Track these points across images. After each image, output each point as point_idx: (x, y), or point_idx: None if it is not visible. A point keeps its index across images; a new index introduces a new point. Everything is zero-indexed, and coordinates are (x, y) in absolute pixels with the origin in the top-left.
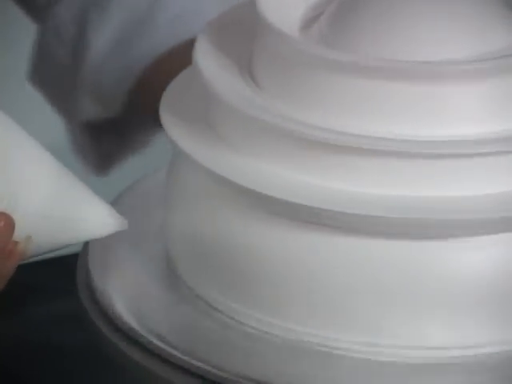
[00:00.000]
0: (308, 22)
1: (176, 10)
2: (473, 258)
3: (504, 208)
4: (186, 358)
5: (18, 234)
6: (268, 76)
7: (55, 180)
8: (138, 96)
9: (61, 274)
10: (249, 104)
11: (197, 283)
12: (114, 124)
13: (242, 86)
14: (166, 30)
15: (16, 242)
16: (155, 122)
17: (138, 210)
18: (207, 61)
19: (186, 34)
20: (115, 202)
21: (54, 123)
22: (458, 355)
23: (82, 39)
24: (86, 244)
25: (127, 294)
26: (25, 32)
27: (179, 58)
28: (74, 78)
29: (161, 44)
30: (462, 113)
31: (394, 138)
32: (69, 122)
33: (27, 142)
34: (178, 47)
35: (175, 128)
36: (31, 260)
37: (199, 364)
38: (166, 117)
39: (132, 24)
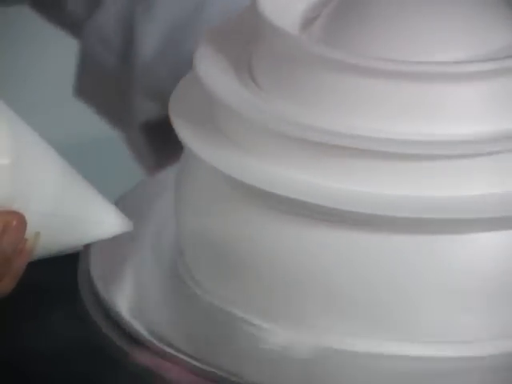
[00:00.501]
0: (307, 23)
1: (223, 6)
2: (476, 254)
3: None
4: (190, 359)
5: (28, 232)
6: (268, 76)
7: (63, 180)
8: None
9: (60, 274)
10: (248, 106)
11: (205, 283)
12: (168, 124)
13: (242, 88)
14: None
15: (26, 240)
16: None
17: (141, 210)
18: (206, 65)
19: None
20: (118, 203)
21: (54, 123)
22: (460, 351)
23: (129, 42)
24: (88, 244)
25: (129, 295)
26: (24, 32)
27: None
28: (126, 82)
29: None
30: (463, 113)
31: (395, 139)
32: (124, 128)
33: (36, 142)
34: None
35: (186, 130)
36: (30, 260)
37: (204, 366)
38: (176, 119)
39: (180, 22)
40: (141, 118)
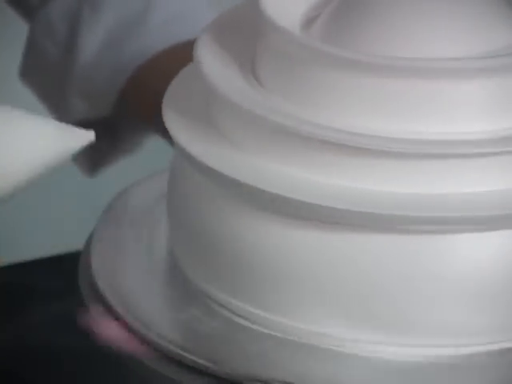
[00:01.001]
0: (309, 21)
1: (169, 11)
2: (474, 254)
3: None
4: (189, 355)
5: None
6: (270, 73)
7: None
8: (129, 97)
9: (60, 274)
10: (250, 102)
11: (201, 281)
12: (105, 124)
13: (244, 84)
14: (159, 32)
15: None
16: (146, 124)
17: (139, 209)
18: (209, 59)
19: (179, 36)
20: (115, 202)
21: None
22: (459, 352)
23: (74, 38)
24: (88, 244)
25: (130, 293)
26: (23, 31)
27: (171, 59)
28: (64, 77)
29: (153, 45)
30: (462, 111)
31: (395, 137)
32: (60, 121)
33: None
34: (170, 49)
35: (177, 127)
36: (29, 260)
37: (203, 362)
38: (168, 116)
39: (125, 24)
40: (73, 115)
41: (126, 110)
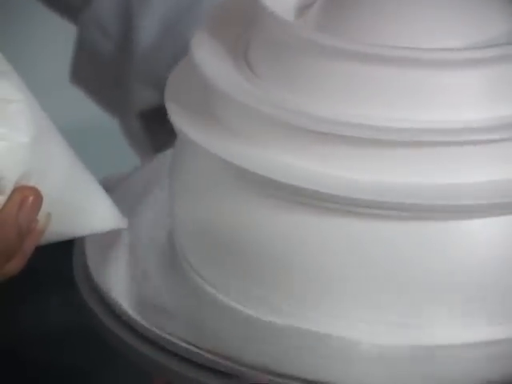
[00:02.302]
0: (303, 10)
1: None
2: (474, 241)
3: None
4: (190, 347)
5: (40, 212)
6: (264, 63)
7: (71, 166)
8: None
9: (58, 259)
10: (243, 92)
11: (202, 269)
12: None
13: (237, 74)
14: None
15: (37, 220)
16: None
17: (137, 196)
18: (203, 51)
19: None
20: (114, 190)
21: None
22: (460, 343)
23: (128, 29)
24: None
25: (127, 283)
26: (24, 28)
27: None
28: (123, 70)
29: None
30: (462, 100)
31: (394, 127)
32: (121, 116)
33: (49, 125)
34: None
35: (180, 115)
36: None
37: (204, 353)
38: (170, 105)
39: (178, 10)
40: (138, 105)
41: None
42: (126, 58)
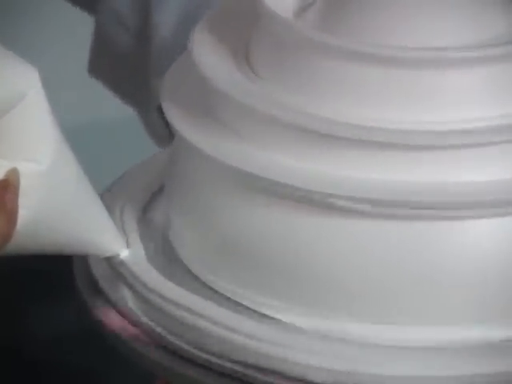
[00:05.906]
0: (302, 10)
1: None
2: (479, 239)
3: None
4: (192, 348)
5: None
6: (264, 62)
7: (83, 193)
8: None
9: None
10: (243, 92)
11: (201, 270)
12: None
13: (237, 74)
14: None
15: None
16: None
17: (136, 194)
18: (202, 49)
19: None
20: (110, 187)
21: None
22: (462, 336)
23: (146, 22)
24: None
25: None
26: (25, 24)
27: None
28: (142, 62)
29: None
30: (462, 100)
31: (395, 128)
32: (140, 108)
33: (66, 149)
34: None
35: (177, 116)
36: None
37: (205, 355)
38: (167, 105)
39: (196, 5)
40: (157, 99)
41: None
42: (144, 50)
